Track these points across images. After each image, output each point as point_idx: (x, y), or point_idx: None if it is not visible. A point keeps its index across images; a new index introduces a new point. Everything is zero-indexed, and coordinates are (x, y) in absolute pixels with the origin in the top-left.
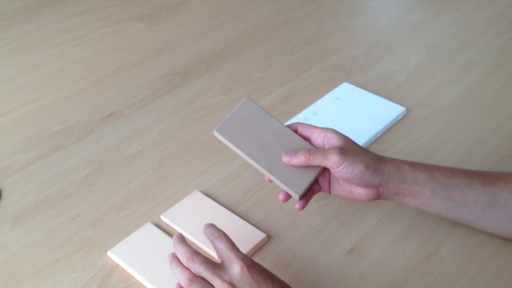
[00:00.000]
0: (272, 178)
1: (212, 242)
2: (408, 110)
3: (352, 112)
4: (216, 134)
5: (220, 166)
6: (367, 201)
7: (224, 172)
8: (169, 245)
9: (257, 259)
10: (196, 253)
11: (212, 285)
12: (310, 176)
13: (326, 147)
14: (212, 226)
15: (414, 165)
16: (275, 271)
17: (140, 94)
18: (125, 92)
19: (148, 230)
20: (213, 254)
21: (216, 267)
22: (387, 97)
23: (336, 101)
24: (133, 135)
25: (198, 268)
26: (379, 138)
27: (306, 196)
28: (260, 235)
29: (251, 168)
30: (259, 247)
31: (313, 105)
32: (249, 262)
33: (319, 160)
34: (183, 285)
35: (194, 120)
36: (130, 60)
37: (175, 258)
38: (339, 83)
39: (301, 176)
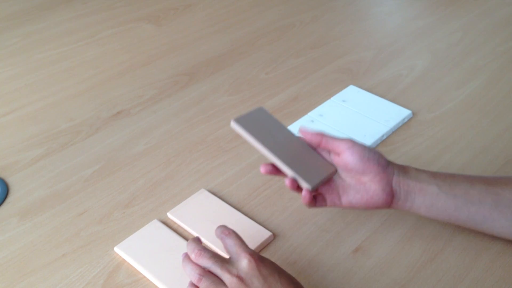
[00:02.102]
0: (287, 170)
1: (222, 239)
2: (414, 113)
3: (358, 114)
4: (232, 124)
5: (227, 165)
6: (382, 202)
7: (231, 171)
8: (175, 241)
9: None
10: (205, 249)
11: (221, 280)
12: (324, 173)
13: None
14: (223, 226)
15: (415, 168)
16: None
17: (147, 94)
18: (132, 92)
19: (154, 227)
20: (221, 253)
21: (225, 261)
22: (393, 100)
23: (342, 103)
24: (140, 134)
25: (207, 263)
26: (385, 140)
27: (316, 199)
28: (266, 234)
29: (257, 168)
30: (265, 245)
31: (319, 107)
32: (257, 257)
33: (331, 141)
34: (193, 281)
35: (201, 120)
36: (138, 60)
37: (186, 256)
38: (345, 85)
39: (316, 171)
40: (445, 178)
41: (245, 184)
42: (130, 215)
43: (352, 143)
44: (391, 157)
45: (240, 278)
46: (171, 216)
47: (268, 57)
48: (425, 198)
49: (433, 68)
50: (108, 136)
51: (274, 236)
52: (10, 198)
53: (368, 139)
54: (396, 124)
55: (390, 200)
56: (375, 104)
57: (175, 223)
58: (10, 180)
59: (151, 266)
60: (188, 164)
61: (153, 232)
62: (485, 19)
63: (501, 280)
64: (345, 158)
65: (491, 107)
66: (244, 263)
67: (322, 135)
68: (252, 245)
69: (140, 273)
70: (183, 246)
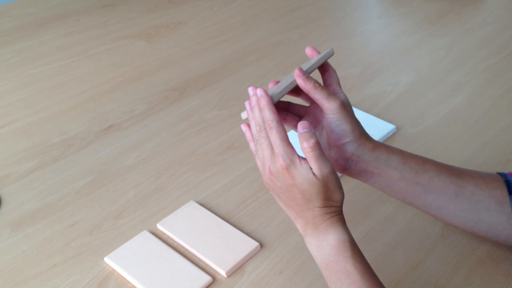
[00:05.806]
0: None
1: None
2: (397, 128)
3: None
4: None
5: (215, 178)
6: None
7: (219, 184)
8: (164, 252)
9: (250, 267)
10: (278, 128)
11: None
12: (284, 85)
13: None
14: (266, 112)
15: (389, 148)
16: (267, 279)
17: (138, 109)
18: (123, 106)
19: (144, 238)
20: (209, 263)
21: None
22: (377, 115)
23: None
24: (131, 147)
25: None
26: None
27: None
28: (253, 244)
29: (245, 180)
30: (251, 255)
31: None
32: (289, 166)
33: (320, 96)
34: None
35: (190, 134)
36: (129, 76)
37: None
38: None
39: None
40: (414, 165)
41: (233, 196)
42: (120, 226)
43: (333, 110)
44: None
45: (270, 172)
46: (160, 227)
47: (257, 73)
48: (382, 181)
49: (417, 84)
50: (99, 149)
51: (261, 246)
52: (2, 210)
53: None
54: (381, 139)
55: (340, 170)
56: (360, 119)
57: (165, 234)
58: (3, 192)
59: (140, 276)
60: (177, 176)
61: (142, 242)
62: (468, 38)
63: None
64: (324, 116)
65: (472, 122)
66: (277, 165)
67: (312, 88)
68: (240, 255)
69: (130, 283)
70: (172, 256)
